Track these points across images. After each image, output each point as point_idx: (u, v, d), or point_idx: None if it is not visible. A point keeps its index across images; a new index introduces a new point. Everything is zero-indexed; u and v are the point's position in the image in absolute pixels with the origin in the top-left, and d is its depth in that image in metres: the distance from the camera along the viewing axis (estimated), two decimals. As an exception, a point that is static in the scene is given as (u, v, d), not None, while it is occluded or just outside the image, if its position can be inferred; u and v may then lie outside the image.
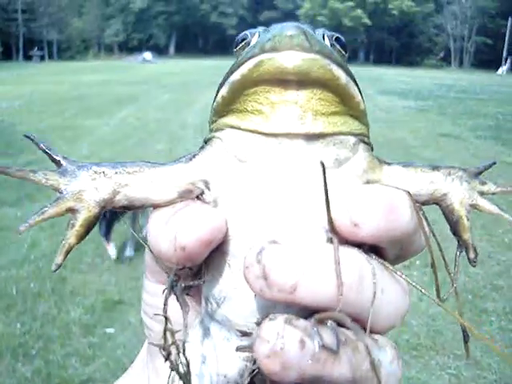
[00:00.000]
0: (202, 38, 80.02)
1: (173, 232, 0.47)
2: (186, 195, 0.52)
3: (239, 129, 0.49)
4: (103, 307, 4.25)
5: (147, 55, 46.28)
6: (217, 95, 0.51)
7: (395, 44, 70.61)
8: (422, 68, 56.55)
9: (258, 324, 0.45)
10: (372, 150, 0.54)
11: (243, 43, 0.54)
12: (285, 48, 0.45)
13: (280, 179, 0.48)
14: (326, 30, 0.54)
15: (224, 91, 0.50)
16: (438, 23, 66.28)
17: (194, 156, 0.52)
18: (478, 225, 5.44)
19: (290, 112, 0.47)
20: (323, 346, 0.41)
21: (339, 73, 0.47)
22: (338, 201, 0.46)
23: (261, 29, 0.54)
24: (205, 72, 29.99)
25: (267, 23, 0.62)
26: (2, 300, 4.26)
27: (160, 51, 64.85)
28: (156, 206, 0.52)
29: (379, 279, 0.46)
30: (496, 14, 60.40)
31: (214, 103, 0.52)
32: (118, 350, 3.68)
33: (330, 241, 0.47)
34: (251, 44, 0.52)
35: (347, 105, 0.49)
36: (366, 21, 64.93)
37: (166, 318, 0.47)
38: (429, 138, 10.80)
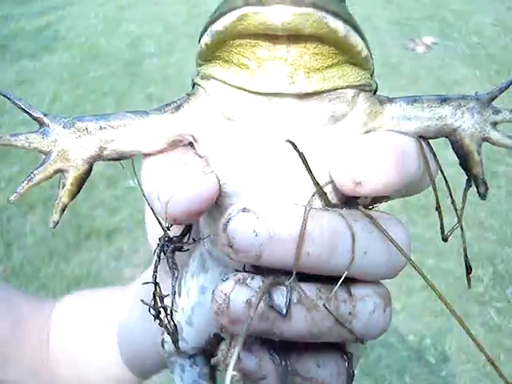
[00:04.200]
0: None
1: (164, 200, 0.45)
2: (175, 144, 0.50)
3: (225, 83, 0.45)
4: (126, 160, 4.35)
5: None
6: (200, 39, 0.46)
7: None
8: None
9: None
10: (376, 91, 0.49)
11: None
12: (272, 2, 0.38)
13: (269, 139, 0.45)
14: None
15: (207, 39, 0.44)
16: None
17: (180, 105, 0.49)
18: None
19: (278, 70, 0.42)
20: (271, 307, 0.43)
21: (337, 25, 0.40)
22: (335, 159, 0.44)
23: None
24: None
25: None
26: (29, 155, 4.29)
27: None
28: (146, 155, 0.50)
29: (362, 242, 0.45)
30: None
31: (199, 47, 0.47)
32: (140, 202, 3.87)
33: (324, 201, 0.46)
34: None
35: (346, 54, 0.44)
36: None
37: (156, 284, 0.51)
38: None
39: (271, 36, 0.41)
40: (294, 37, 0.41)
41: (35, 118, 0.49)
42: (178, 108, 0.49)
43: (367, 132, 0.47)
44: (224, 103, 0.45)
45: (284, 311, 0.43)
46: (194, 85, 0.50)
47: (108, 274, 3.35)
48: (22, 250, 3.45)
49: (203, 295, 0.58)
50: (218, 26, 0.42)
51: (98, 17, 7.20)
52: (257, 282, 0.45)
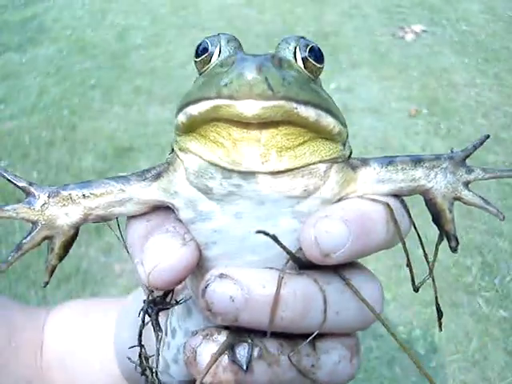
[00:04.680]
0: None
1: (146, 271, 0.47)
2: (157, 207, 0.53)
3: (201, 158, 0.47)
4: (114, 154, 4.33)
5: None
6: (177, 115, 0.47)
7: None
8: None
9: None
10: (350, 155, 0.51)
11: (205, 56, 0.48)
12: (243, 97, 0.40)
13: (245, 211, 0.47)
14: (301, 40, 0.48)
15: (183, 119, 0.46)
16: None
17: (160, 174, 0.51)
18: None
19: (252, 151, 0.44)
20: (233, 361, 0.47)
21: (308, 113, 0.43)
22: (304, 233, 0.45)
23: (223, 39, 0.48)
24: None
25: None
26: (17, 149, 4.36)
27: None
28: (130, 217, 0.53)
29: (334, 303, 0.47)
30: None
31: (175, 122, 0.48)
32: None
33: (298, 265, 0.48)
34: (213, 62, 0.48)
35: (317, 132, 0.46)
36: None
37: (142, 346, 0.54)
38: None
39: (244, 122, 0.43)
40: (265, 124, 0.43)
41: (21, 188, 0.51)
42: (157, 177, 0.51)
43: (340, 199, 0.49)
44: (200, 178, 0.47)
45: (245, 366, 0.46)
46: (172, 149, 0.51)
47: (98, 269, 3.34)
48: (11, 248, 3.41)
49: (187, 337, 0.60)
50: (193, 110, 0.44)
51: (84, 8, 7.12)
52: (223, 337, 0.48)
